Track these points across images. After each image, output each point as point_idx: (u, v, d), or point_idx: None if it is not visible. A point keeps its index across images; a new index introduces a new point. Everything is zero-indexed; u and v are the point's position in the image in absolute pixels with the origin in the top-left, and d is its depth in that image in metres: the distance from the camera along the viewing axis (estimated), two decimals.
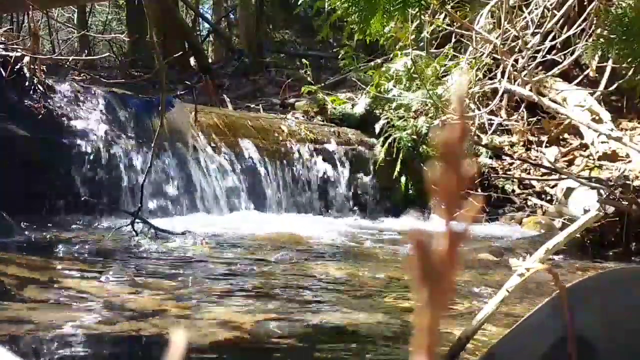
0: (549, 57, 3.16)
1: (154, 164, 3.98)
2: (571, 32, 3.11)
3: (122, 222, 3.63)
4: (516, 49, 3.02)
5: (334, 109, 6.35)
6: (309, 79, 6.74)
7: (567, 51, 3.23)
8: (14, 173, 3.84)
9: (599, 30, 2.58)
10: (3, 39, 4.25)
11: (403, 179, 5.82)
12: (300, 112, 6.46)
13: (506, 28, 2.92)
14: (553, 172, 5.44)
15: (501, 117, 6.17)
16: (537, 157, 6.29)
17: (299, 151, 5.49)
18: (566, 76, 6.19)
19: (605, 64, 4.14)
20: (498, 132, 6.52)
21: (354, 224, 5.00)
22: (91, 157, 4.17)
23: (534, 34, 3.00)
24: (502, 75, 3.06)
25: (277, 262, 3.05)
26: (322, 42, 10.25)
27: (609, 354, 1.37)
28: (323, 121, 6.25)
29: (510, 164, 6.28)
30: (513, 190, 6.00)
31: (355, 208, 5.73)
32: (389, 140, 5.87)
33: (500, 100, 5.77)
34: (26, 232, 3.34)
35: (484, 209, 5.44)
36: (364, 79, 6.50)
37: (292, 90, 7.50)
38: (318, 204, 5.51)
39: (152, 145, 3.87)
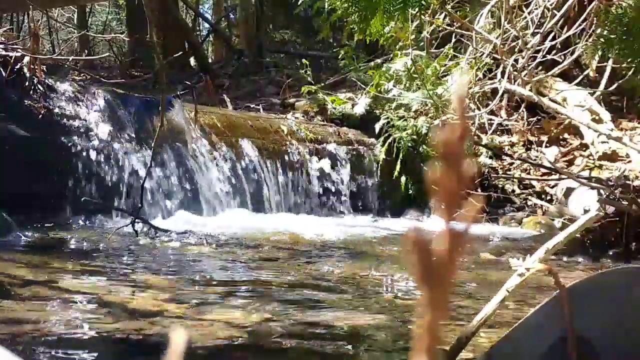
0: (549, 57, 3.16)
1: (153, 164, 3.98)
2: (571, 32, 3.11)
3: (122, 222, 3.63)
4: (516, 49, 3.02)
5: (334, 109, 6.35)
6: (309, 79, 6.74)
7: (567, 51, 3.23)
8: (14, 173, 3.84)
9: (599, 30, 2.58)
10: (3, 39, 4.25)
11: (403, 179, 5.82)
12: (300, 112, 6.47)
13: (506, 28, 2.92)
14: (553, 172, 5.45)
15: (501, 117, 6.17)
16: (537, 157, 6.30)
17: (299, 151, 5.49)
18: (566, 76, 6.19)
19: (605, 64, 4.14)
20: (498, 132, 6.52)
21: (353, 224, 5.00)
22: (91, 157, 4.17)
23: (534, 34, 3.00)
24: (502, 75, 3.06)
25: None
26: (322, 42, 10.25)
27: (610, 353, 1.37)
28: (323, 121, 6.25)
29: (510, 164, 6.29)
30: (513, 191, 6.00)
31: (355, 208, 5.73)
32: (389, 140, 5.88)
33: (500, 100, 5.77)
34: (26, 232, 3.34)
35: (484, 209, 5.44)
36: (364, 79, 6.50)
37: (292, 90, 7.50)
38: (318, 204, 5.51)
39: (152, 145, 3.87)
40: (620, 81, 3.43)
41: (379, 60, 6.90)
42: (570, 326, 1.32)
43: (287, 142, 5.50)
